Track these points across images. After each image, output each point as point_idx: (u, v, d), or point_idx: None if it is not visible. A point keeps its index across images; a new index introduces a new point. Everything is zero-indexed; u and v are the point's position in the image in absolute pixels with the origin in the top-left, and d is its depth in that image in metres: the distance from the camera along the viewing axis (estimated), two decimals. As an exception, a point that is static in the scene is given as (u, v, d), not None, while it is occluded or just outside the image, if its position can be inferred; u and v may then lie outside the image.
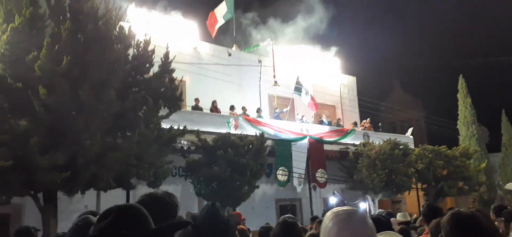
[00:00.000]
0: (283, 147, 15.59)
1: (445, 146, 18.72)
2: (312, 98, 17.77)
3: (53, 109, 7.24)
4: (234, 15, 19.65)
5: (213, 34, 19.51)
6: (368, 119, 21.01)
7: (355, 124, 20.16)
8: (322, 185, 16.70)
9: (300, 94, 17.70)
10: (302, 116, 18.46)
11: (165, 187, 9.99)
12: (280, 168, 15.35)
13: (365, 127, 19.71)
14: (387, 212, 7.68)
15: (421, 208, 17.68)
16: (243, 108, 16.29)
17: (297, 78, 18.18)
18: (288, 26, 23.90)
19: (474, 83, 28.05)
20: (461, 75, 27.14)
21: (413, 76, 36.43)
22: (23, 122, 7.19)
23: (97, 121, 7.58)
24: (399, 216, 8.08)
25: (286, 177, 15.52)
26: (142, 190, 9.38)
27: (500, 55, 34.84)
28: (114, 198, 10.25)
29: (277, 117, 17.24)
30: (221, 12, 19.23)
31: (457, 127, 26.79)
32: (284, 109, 17.72)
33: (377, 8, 50.43)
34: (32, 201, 8.18)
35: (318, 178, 16.50)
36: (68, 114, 7.51)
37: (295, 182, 15.87)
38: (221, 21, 19.22)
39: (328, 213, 1.79)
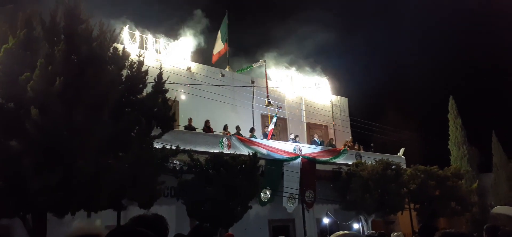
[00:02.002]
0: (274, 167, 15.56)
1: (436, 166, 18.83)
2: (271, 130, 17.59)
3: (45, 130, 7.22)
4: (227, 37, 19.92)
5: (214, 59, 19.86)
6: (350, 138, 21.09)
7: (354, 141, 20.30)
8: (309, 205, 16.63)
9: (274, 117, 17.67)
10: (295, 136, 18.54)
11: (157, 208, 9.90)
12: (265, 188, 15.22)
13: (348, 146, 19.74)
14: (379, 233, 7.68)
15: (413, 228, 17.71)
16: (237, 127, 16.34)
17: (276, 108, 18.36)
18: (281, 48, 24.21)
19: (465, 105, 28.44)
20: (451, 97, 27.53)
21: (405, 96, 36.84)
22: (14, 143, 7.15)
23: (90, 142, 7.56)
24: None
25: (267, 196, 15.39)
26: (133, 211, 9.29)
27: (490, 78, 35.45)
28: (105, 219, 10.14)
29: (265, 135, 17.27)
30: (219, 41, 19.71)
31: (448, 147, 27.02)
32: (266, 129, 17.77)
33: (368, 30, 51.23)
34: (21, 222, 8.06)
35: (306, 198, 16.46)
36: (61, 135, 7.49)
37: (285, 202, 15.77)
38: (220, 47, 19.60)
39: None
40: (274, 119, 17.35)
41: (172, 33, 19.15)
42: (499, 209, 19.63)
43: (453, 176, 18.83)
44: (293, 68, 22.71)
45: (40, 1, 9.37)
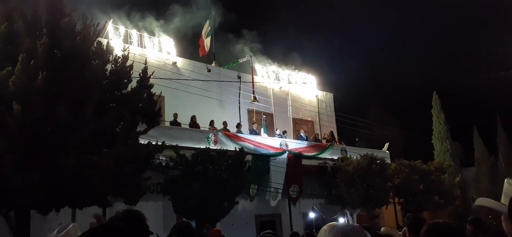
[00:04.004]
0: (261, 162, 15.58)
1: (420, 160, 19.13)
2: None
3: (27, 127, 7.08)
4: (213, 32, 19.82)
5: (201, 54, 19.60)
6: (329, 131, 21.25)
7: (332, 136, 20.45)
8: (294, 200, 16.72)
9: (266, 132, 17.78)
10: (283, 132, 18.58)
11: (143, 204, 9.81)
12: (252, 185, 15.22)
13: (327, 139, 19.91)
14: (364, 226, 7.78)
15: (398, 222, 17.98)
16: (224, 123, 16.31)
17: (264, 119, 18.42)
18: (267, 43, 24.23)
19: (447, 101, 28.93)
20: (435, 92, 27.95)
21: (389, 92, 37.26)
22: (-5, 139, 7.00)
23: (73, 138, 7.44)
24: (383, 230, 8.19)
25: (254, 190, 15.42)
26: (119, 207, 9.18)
27: (472, 73, 36.10)
28: (90, 216, 10.03)
29: (253, 132, 17.30)
30: (206, 31, 19.51)
31: (432, 142, 27.47)
32: (254, 125, 17.86)
33: (353, 27, 51.64)
34: (3, 220, 7.91)
35: (291, 193, 16.54)
36: (43, 131, 7.35)
37: (268, 196, 15.81)
38: (206, 41, 19.43)
39: (327, 228, 1.76)
40: (264, 130, 17.58)
41: (157, 27, 18.97)
42: (481, 201, 20.07)
43: (436, 170, 19.16)
44: (280, 64, 22.77)
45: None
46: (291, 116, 21.80)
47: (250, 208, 15.77)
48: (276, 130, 19.03)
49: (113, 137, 8.43)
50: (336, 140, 20.78)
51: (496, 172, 25.76)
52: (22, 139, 7.12)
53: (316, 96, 23.28)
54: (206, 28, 19.56)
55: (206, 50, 19.40)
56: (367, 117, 23.88)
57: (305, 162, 17.31)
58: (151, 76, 9.80)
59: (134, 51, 15.42)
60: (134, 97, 9.27)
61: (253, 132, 17.32)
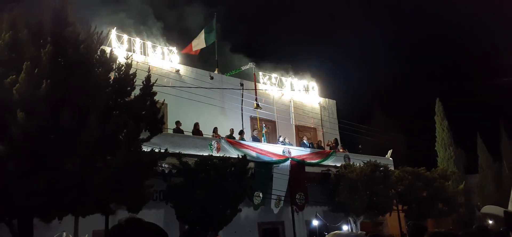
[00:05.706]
0: (264, 169, 15.54)
1: (424, 167, 19.03)
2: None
3: (31, 134, 7.10)
4: (216, 40, 19.88)
5: (194, 50, 19.50)
6: (333, 139, 21.23)
7: (336, 142, 20.41)
8: (301, 207, 16.65)
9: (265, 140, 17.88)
10: (284, 138, 18.57)
11: (146, 212, 9.82)
12: (256, 192, 15.17)
13: (331, 146, 19.87)
14: (372, 235, 7.72)
15: (402, 230, 17.87)
16: (231, 130, 16.35)
17: (265, 131, 18.46)
18: (270, 50, 24.28)
19: (451, 107, 28.87)
20: (438, 99, 27.91)
21: (392, 99, 37.19)
22: (0, 147, 7.02)
23: (77, 146, 7.46)
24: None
25: (260, 199, 15.38)
26: (122, 215, 9.18)
27: (475, 79, 36.03)
28: (93, 223, 10.04)
29: (255, 139, 17.30)
30: (199, 39, 19.47)
31: (435, 148, 27.37)
32: (254, 132, 17.88)
33: (356, 35, 51.73)
34: (6, 227, 7.91)
35: (297, 200, 16.47)
36: (47, 139, 7.37)
37: (272, 204, 15.75)
38: (201, 44, 19.38)
39: (331, 236, 1.81)
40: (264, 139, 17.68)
41: (160, 35, 19.06)
42: (487, 209, 19.91)
43: (440, 177, 19.04)
44: (282, 71, 22.81)
45: (26, 3, 9.24)
46: (294, 123, 21.79)
47: (253, 215, 15.71)
48: (279, 137, 19.02)
49: (116, 144, 8.44)
50: (340, 147, 20.74)
51: (500, 179, 25.62)
52: (26, 146, 7.15)
53: (318, 103, 23.28)
54: (201, 37, 19.52)
55: (192, 50, 19.35)
56: (370, 124, 23.84)
57: (308, 169, 17.26)
58: (154, 84, 9.83)
59: (137, 59, 15.49)
60: (137, 105, 9.30)
61: (255, 139, 17.32)
